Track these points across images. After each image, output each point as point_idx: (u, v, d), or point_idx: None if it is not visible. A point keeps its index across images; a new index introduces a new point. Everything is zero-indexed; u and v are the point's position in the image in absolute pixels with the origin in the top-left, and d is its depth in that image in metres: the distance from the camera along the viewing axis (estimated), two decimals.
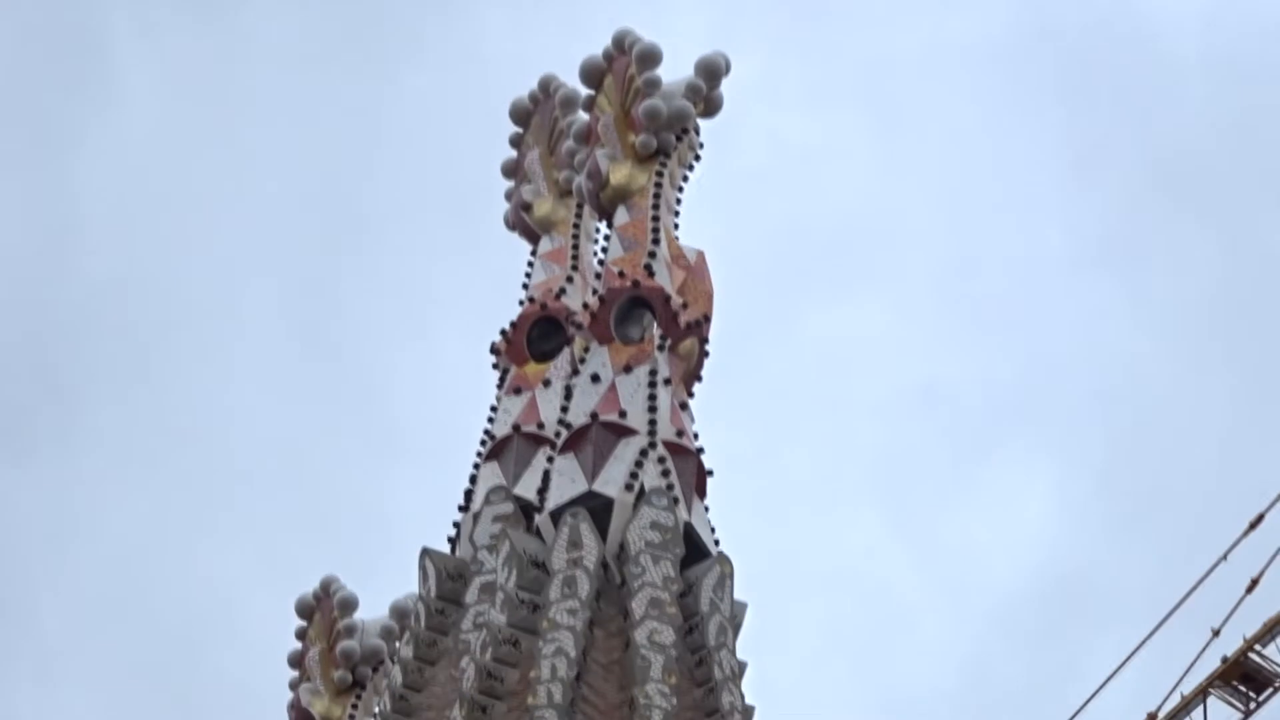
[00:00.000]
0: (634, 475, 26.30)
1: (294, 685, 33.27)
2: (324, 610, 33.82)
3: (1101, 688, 76.24)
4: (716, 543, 26.84)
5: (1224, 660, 72.69)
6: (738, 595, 25.93)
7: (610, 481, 26.25)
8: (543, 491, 26.68)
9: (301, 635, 33.33)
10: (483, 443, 28.06)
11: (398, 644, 28.67)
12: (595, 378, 27.57)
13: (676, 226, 28.79)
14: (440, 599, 26.64)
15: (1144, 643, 73.39)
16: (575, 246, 29.94)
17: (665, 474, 26.51)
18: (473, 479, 27.84)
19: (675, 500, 26.27)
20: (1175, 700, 72.57)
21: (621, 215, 28.68)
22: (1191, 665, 73.48)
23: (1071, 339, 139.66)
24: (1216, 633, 72.12)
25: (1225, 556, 77.40)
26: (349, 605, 33.34)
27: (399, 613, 30.26)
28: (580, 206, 30.01)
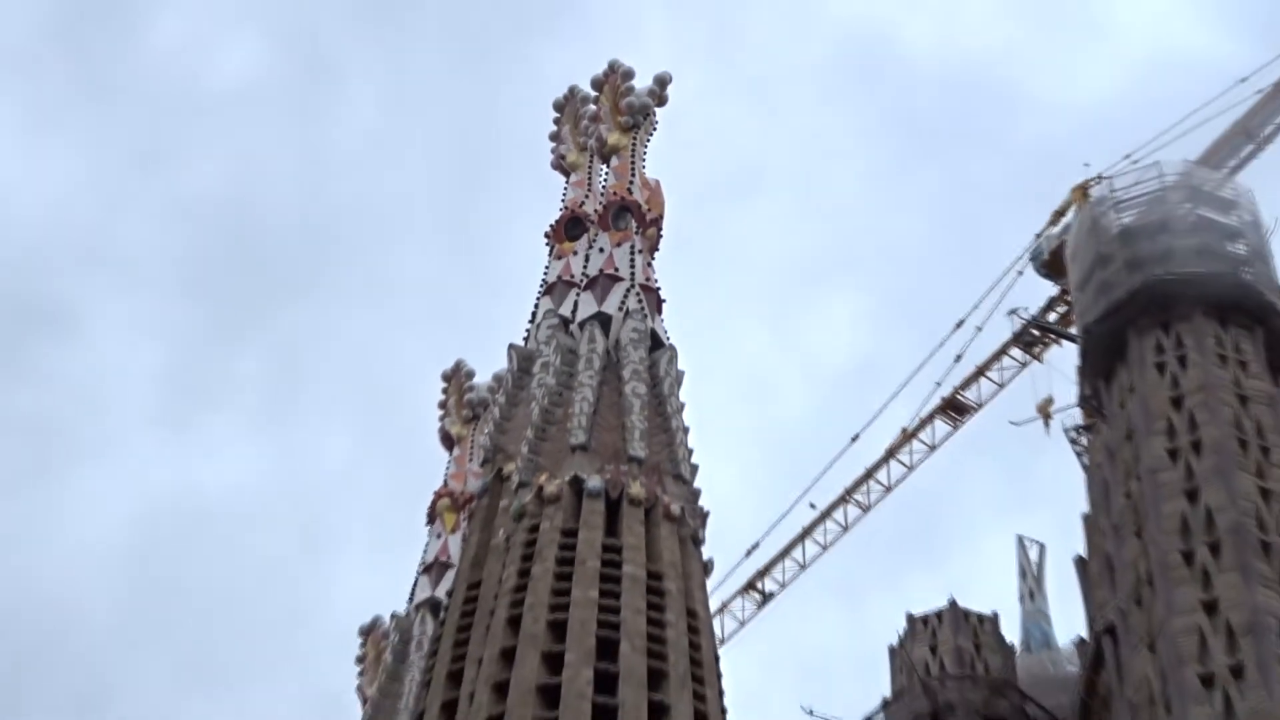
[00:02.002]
0: (623, 302, 42.20)
1: (441, 419, 49.28)
2: (456, 377, 49.88)
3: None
4: (667, 337, 42.96)
5: (943, 400, 75.64)
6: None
7: (610, 305, 42.32)
8: (574, 312, 42.77)
9: (444, 391, 49.56)
10: (540, 286, 44.10)
11: (498, 396, 44.29)
12: (601, 249, 43.50)
13: (644, 166, 45.09)
14: (519, 372, 42.42)
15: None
16: (590, 178, 45.86)
17: (640, 302, 42.50)
18: (536, 306, 43.89)
19: (645, 316, 42.45)
20: (916, 422, 76.10)
21: (614, 161, 45.28)
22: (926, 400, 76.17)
23: None
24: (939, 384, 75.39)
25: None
26: (469, 374, 49.95)
27: (497, 379, 46.28)
28: (592, 156, 46.15)
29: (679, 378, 42.38)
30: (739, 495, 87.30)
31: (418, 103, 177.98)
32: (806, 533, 73.30)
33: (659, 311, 43.48)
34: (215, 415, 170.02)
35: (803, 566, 73.52)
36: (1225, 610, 49.56)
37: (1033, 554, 67.62)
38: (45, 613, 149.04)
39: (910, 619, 63.91)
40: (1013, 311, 68.19)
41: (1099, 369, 57.73)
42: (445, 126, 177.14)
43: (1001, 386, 68.20)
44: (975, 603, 64.36)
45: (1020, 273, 67.71)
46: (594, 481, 38.60)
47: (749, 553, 73.69)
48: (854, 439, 73.47)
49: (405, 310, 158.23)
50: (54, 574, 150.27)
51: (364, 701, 46.46)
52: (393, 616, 47.42)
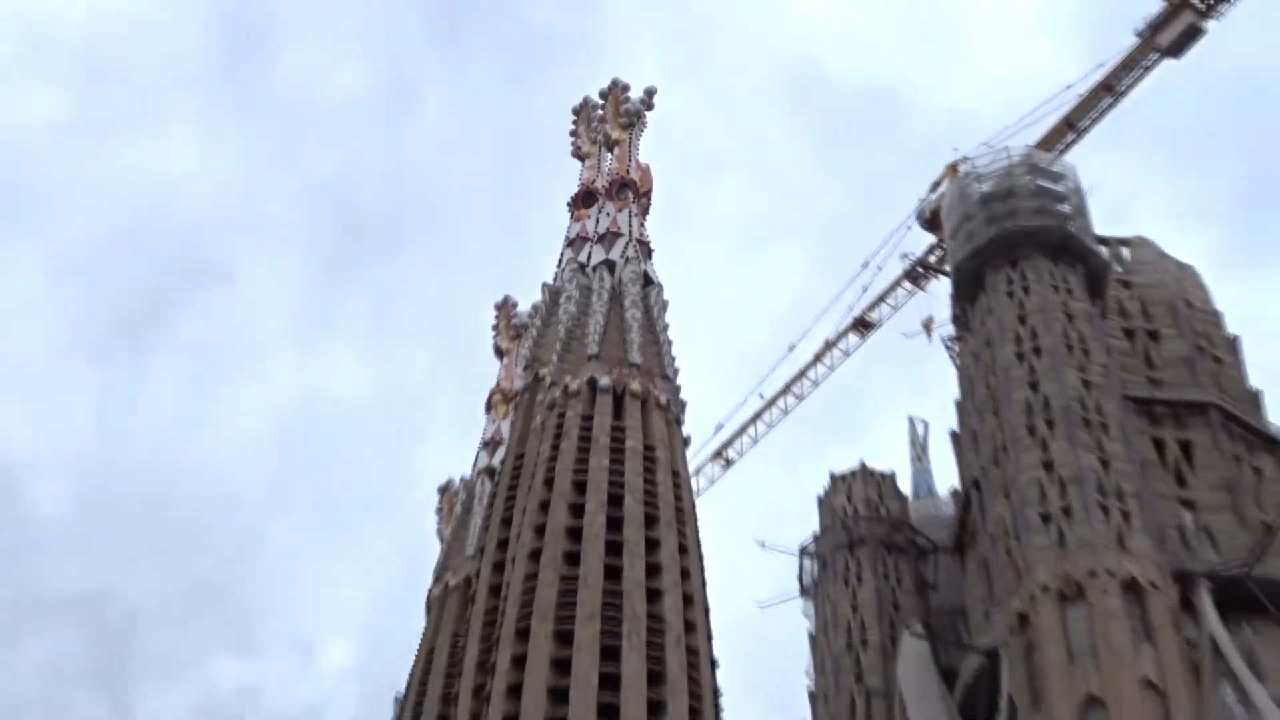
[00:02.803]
0: (624, 252, 42.50)
1: (494, 338, 48.66)
2: (505, 308, 48.73)
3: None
4: (656, 277, 43.18)
5: (854, 319, 74.89)
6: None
7: (615, 254, 42.64)
8: (588, 259, 43.06)
9: (496, 317, 48.62)
10: (564, 241, 44.06)
11: (535, 320, 44.15)
12: (607, 214, 43.73)
13: (638, 154, 45.18)
14: (550, 303, 42.88)
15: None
16: (599, 163, 45.57)
17: (635, 252, 42.66)
18: (561, 256, 43.94)
19: (640, 262, 42.73)
20: (836, 335, 75.09)
21: (616, 150, 45.30)
22: (842, 320, 74.28)
23: None
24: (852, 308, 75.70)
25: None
26: (514, 305, 48.89)
27: (535, 308, 45.57)
28: (600, 147, 45.99)
29: (665, 306, 42.69)
30: (710, 389, 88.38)
31: (474, 111, 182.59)
32: (757, 416, 74.30)
33: (649, 258, 43.62)
34: (332, 342, 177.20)
35: (755, 441, 74.82)
36: (1058, 468, 50.51)
37: (920, 430, 68.14)
38: (213, 486, 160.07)
39: (833, 477, 64.67)
40: (904, 255, 68.59)
41: (966, 296, 58.26)
42: (495, 128, 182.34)
43: (896, 309, 68.72)
44: (879, 465, 65.36)
45: (909, 227, 68.06)
46: (604, 380, 38.98)
47: (716, 430, 74.96)
48: (791, 349, 74.23)
49: (467, 261, 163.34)
50: (219, 456, 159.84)
51: (441, 541, 46.22)
52: (461, 480, 47.42)
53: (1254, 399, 58.22)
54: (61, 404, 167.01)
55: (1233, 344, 59.91)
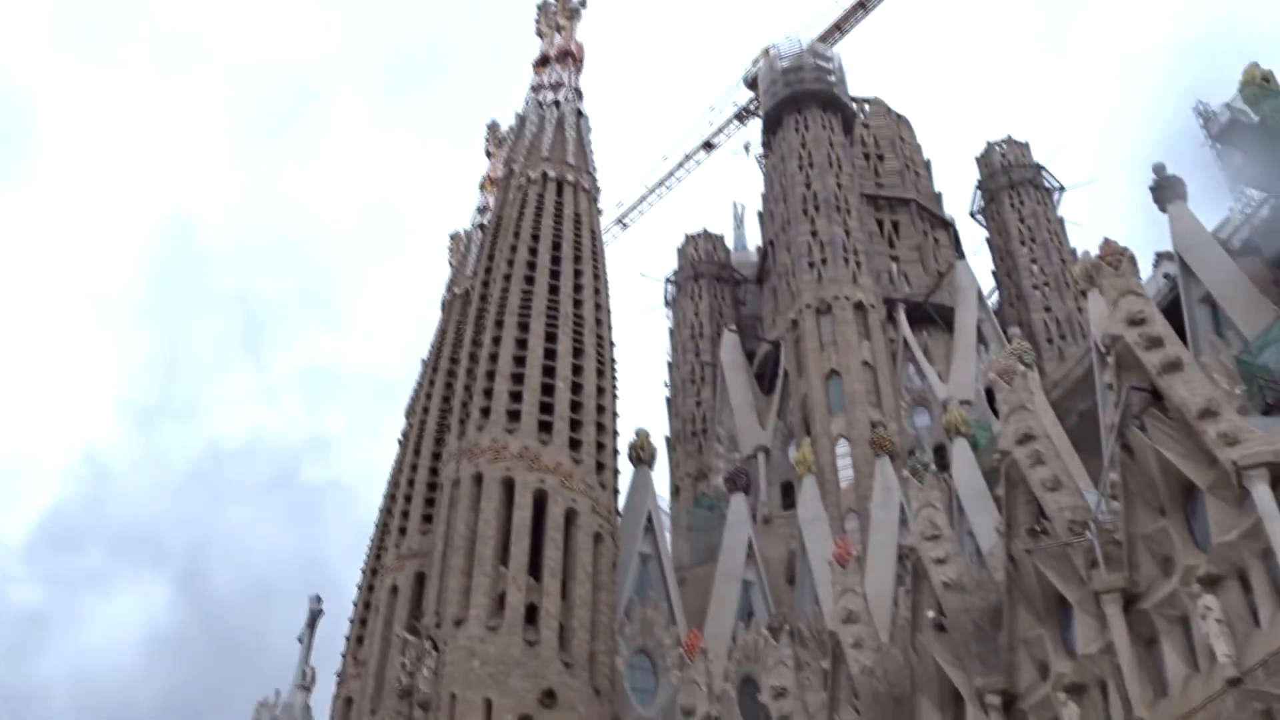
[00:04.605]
0: (566, 95, 41.57)
1: (486, 145, 48.21)
2: (494, 129, 48.06)
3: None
4: (584, 112, 41.65)
5: (704, 141, 67.92)
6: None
7: (560, 96, 41.43)
8: (545, 99, 41.54)
9: (488, 133, 48.01)
10: (531, 88, 42.25)
11: (512, 134, 44.04)
12: (556, 71, 42.41)
13: (577, 34, 43.36)
14: (519, 126, 41.35)
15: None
16: (552, 40, 43.27)
17: (573, 96, 41.65)
18: (528, 96, 42.14)
19: (575, 101, 41.68)
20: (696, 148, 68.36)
21: (563, 32, 43.29)
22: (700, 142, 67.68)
23: None
24: None
25: None
26: (497, 125, 47.36)
27: (511, 128, 43.63)
28: (554, 30, 43.52)
29: (589, 129, 41.23)
30: (615, 180, 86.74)
31: (471, 11, 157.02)
32: (642, 199, 71.31)
33: (581, 100, 42.04)
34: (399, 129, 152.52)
35: (641, 214, 73.04)
36: (820, 235, 50.78)
37: (739, 209, 66.98)
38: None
39: (686, 236, 63.34)
40: (737, 105, 67.35)
41: (771, 130, 57.61)
42: (489, 25, 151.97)
43: (729, 136, 67.36)
44: (715, 230, 64.44)
45: (739, 87, 66.40)
46: (552, 173, 38.58)
47: (618, 206, 71.78)
48: (664, 159, 71.60)
49: (473, 97, 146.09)
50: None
51: (451, 267, 44.31)
52: (464, 231, 45.89)
53: (938, 198, 58.64)
54: None
55: (928, 164, 59.90)
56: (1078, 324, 50.12)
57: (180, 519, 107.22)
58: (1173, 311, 26.37)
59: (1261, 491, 16.80)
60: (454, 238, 46.39)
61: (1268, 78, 26.78)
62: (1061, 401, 33.05)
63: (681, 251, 62.58)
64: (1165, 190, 29.50)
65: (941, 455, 39.97)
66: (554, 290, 34.90)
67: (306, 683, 31.58)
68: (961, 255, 55.61)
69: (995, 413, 28.13)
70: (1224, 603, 17.14)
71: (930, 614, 22.50)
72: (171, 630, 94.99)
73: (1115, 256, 20.86)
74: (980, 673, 20.75)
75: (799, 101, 56.02)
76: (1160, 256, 31.10)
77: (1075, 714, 18.91)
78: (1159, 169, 29.80)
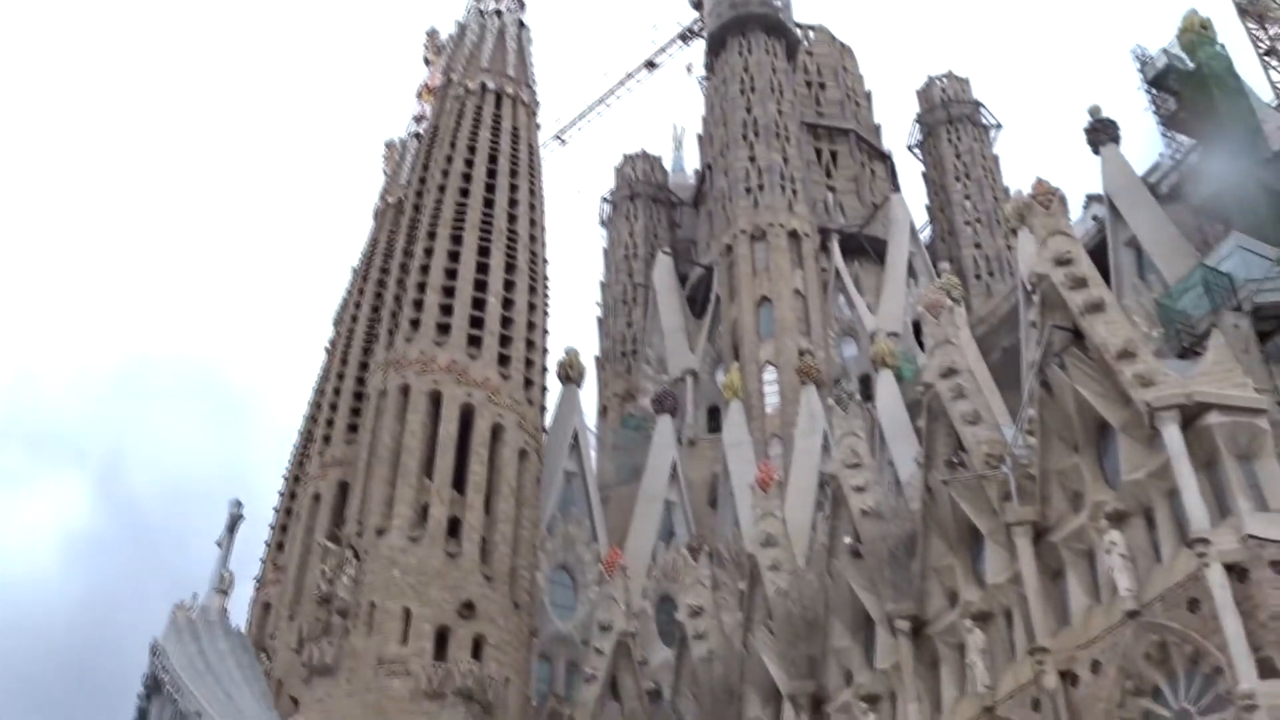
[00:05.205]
0: (508, 5, 40.76)
1: (424, 51, 47.13)
2: (433, 35, 47.08)
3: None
4: (526, 24, 41.17)
5: (647, 61, 65.44)
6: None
7: (503, 6, 40.76)
8: (487, 8, 40.91)
9: (427, 38, 46.91)
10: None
11: (450, 44, 43.40)
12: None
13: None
14: (459, 35, 40.87)
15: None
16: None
17: (515, 5, 40.91)
18: (468, 6, 41.51)
19: (517, 11, 40.87)
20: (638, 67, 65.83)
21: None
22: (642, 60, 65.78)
23: None
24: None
25: None
26: (437, 33, 46.80)
27: (451, 37, 43.63)
28: None
29: (530, 41, 40.55)
30: (555, 95, 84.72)
31: None
32: (582, 115, 70.25)
33: (524, 10, 41.07)
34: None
35: (580, 130, 72.35)
36: (758, 161, 50.63)
37: (679, 131, 66.40)
38: None
39: (625, 156, 63.08)
40: (680, 25, 66.36)
41: (714, 52, 56.96)
42: None
43: (672, 56, 66.47)
44: (653, 151, 63.82)
45: (684, 8, 65.60)
46: (491, 84, 37.92)
47: (557, 121, 71.62)
48: (605, 75, 70.60)
49: (413, 9, 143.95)
50: None
51: (385, 176, 43.70)
52: (399, 139, 45.16)
53: (877, 130, 58.55)
54: None
55: (868, 96, 59.69)
56: (1007, 262, 50.62)
57: (101, 419, 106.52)
58: (1100, 253, 26.61)
59: (1172, 432, 17.17)
60: (389, 145, 45.45)
61: (1206, 25, 26.96)
62: (987, 337, 33.62)
63: (619, 171, 62.04)
64: (1099, 133, 29.74)
65: (867, 385, 40.48)
66: (489, 204, 34.54)
67: (225, 586, 31.62)
68: (897, 188, 55.76)
69: (921, 346, 28.50)
70: (1128, 538, 17.54)
71: (847, 540, 22.92)
72: (90, 531, 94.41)
73: (1046, 196, 21.10)
74: (892, 598, 21.20)
75: (743, 24, 55.46)
76: (1091, 199, 31.40)
77: (980, 640, 19.38)
78: (1094, 111, 30.06)
